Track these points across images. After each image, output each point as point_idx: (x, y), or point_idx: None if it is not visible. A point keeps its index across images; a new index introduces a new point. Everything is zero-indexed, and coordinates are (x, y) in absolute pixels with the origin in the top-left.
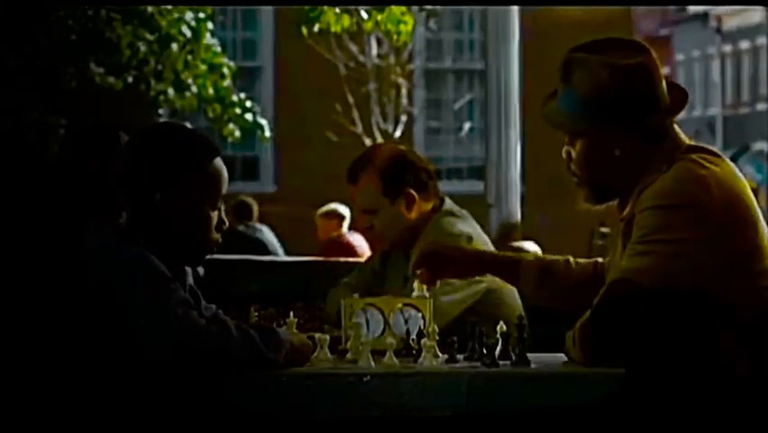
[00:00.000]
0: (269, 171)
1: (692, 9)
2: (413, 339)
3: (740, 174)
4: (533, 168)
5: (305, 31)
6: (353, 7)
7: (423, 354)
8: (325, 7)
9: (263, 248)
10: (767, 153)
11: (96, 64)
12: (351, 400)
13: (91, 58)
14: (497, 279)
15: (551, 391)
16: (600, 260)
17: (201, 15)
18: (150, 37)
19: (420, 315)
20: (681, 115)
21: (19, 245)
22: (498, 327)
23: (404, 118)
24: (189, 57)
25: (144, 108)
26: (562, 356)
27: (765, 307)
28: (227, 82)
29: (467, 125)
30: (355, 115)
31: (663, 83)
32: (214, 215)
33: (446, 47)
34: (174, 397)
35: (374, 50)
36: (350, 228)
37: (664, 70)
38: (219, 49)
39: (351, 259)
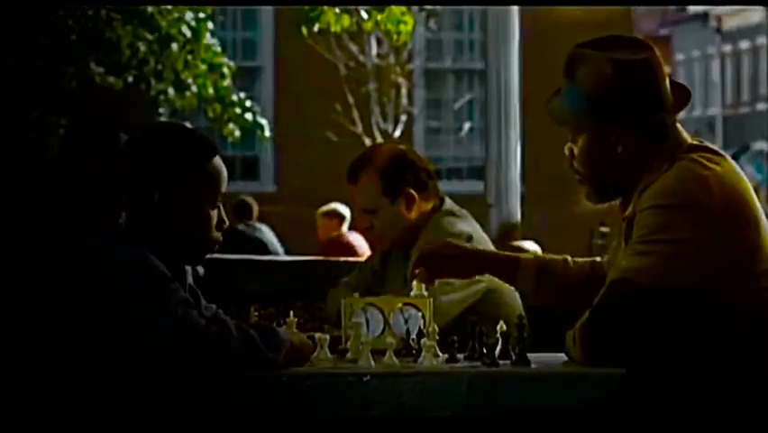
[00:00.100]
0: (269, 171)
1: (692, 9)
2: (413, 339)
3: (742, 173)
4: (533, 168)
5: (305, 31)
6: (353, 7)
7: (423, 354)
8: (325, 7)
9: (263, 248)
10: (767, 153)
11: (96, 64)
12: (351, 400)
13: (91, 58)
14: (495, 279)
15: (551, 391)
16: (598, 259)
17: (201, 15)
18: (150, 37)
19: (420, 314)
20: (682, 114)
21: (19, 246)
22: (498, 327)
23: (404, 118)
24: (189, 57)
25: (144, 108)
26: (562, 356)
27: (765, 307)
28: (227, 82)
29: (467, 125)
30: (355, 115)
31: (667, 81)
32: (214, 214)
33: (446, 47)
34: (174, 397)
35: (374, 50)
36: (350, 228)
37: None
38: (219, 49)
39: (351, 259)
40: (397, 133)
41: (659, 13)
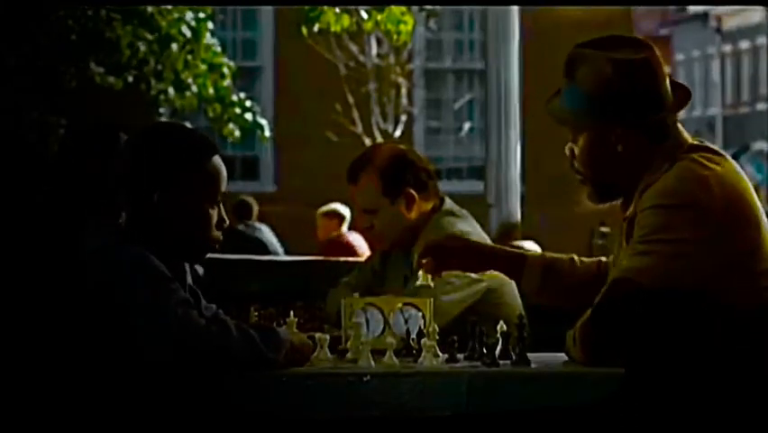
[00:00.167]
0: (269, 171)
1: (692, 9)
2: (413, 339)
3: (742, 173)
4: (533, 168)
5: (305, 31)
6: (353, 7)
7: (423, 354)
8: (325, 7)
9: (263, 248)
10: (767, 153)
11: (96, 64)
12: (351, 400)
13: (91, 58)
14: (496, 278)
15: (551, 391)
16: (604, 259)
17: (201, 15)
18: (150, 37)
19: (420, 314)
20: (682, 114)
21: (19, 246)
22: (499, 327)
23: (404, 118)
24: (189, 57)
25: (144, 108)
26: (562, 356)
27: (765, 307)
28: (227, 82)
29: (467, 125)
30: (355, 115)
31: (667, 81)
32: (214, 213)
33: (446, 47)
34: (174, 397)
35: (374, 50)
36: (349, 228)
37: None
38: (219, 49)
39: (351, 259)
40: (398, 133)
41: (659, 13)
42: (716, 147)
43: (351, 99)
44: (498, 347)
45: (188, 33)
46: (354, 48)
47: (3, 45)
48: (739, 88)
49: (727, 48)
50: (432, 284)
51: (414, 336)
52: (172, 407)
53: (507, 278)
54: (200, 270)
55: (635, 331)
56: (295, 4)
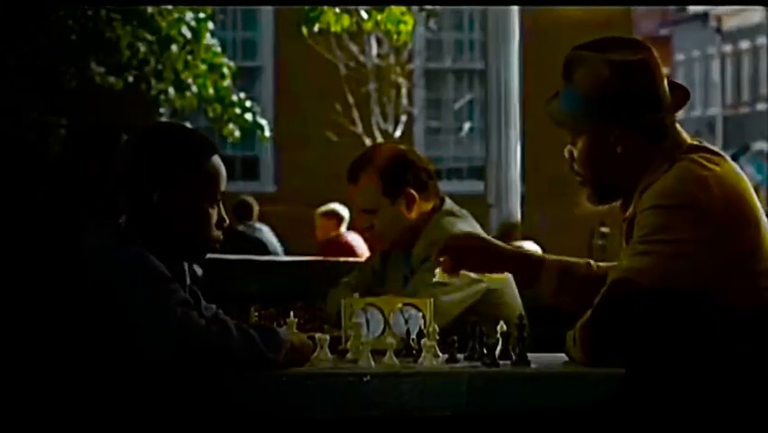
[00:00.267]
0: (269, 171)
1: (692, 9)
2: (413, 339)
3: (742, 174)
4: (533, 168)
5: (305, 31)
6: (353, 7)
7: (423, 354)
8: (325, 7)
9: (263, 248)
10: (767, 153)
11: (97, 64)
12: (351, 400)
13: (91, 58)
14: (497, 279)
15: (551, 391)
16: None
17: (201, 15)
18: (150, 38)
19: (420, 314)
20: (681, 114)
21: (19, 246)
22: (499, 327)
23: (404, 118)
24: (189, 57)
25: (145, 108)
26: (562, 356)
27: (765, 307)
28: (227, 82)
29: (467, 125)
30: (355, 115)
31: (665, 81)
32: (214, 212)
33: (446, 47)
34: (174, 397)
35: (374, 50)
36: (348, 228)
37: (664, 70)
38: (219, 49)
39: (351, 259)
40: (398, 133)
41: (659, 13)
42: (714, 148)
43: (351, 99)
44: (498, 347)
45: (188, 34)
46: (354, 48)
47: (3, 45)
48: (739, 88)
49: (727, 48)
50: (449, 281)
51: (414, 336)
52: (172, 407)
53: (507, 278)
54: (199, 270)
55: (635, 331)
56: (295, 4)
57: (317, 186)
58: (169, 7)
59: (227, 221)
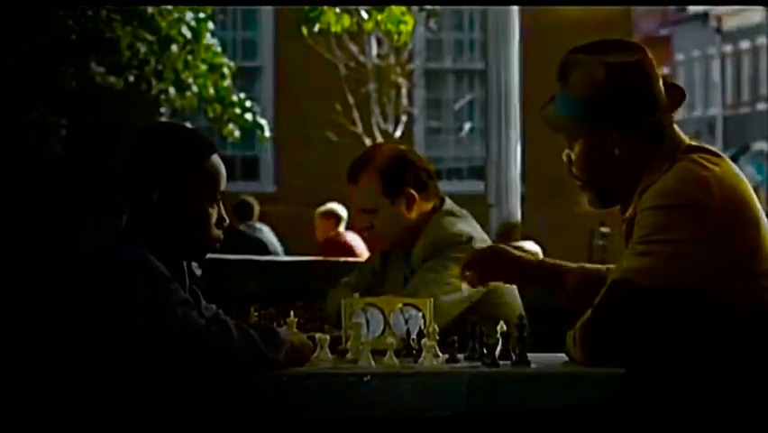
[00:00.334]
0: (269, 171)
1: (692, 9)
2: (413, 339)
3: (741, 174)
4: (533, 168)
5: (305, 31)
6: (353, 7)
7: (423, 354)
8: (325, 7)
9: (263, 248)
10: (767, 153)
11: (97, 64)
12: (351, 400)
13: (91, 58)
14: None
15: (551, 391)
16: None
17: (201, 15)
18: (150, 38)
19: (420, 314)
20: (681, 114)
21: (19, 245)
22: (499, 327)
23: (404, 118)
24: (189, 57)
25: (145, 108)
26: (562, 356)
27: (765, 307)
28: (227, 82)
29: (467, 125)
30: (355, 115)
31: (660, 82)
32: (214, 212)
33: (446, 47)
34: (174, 397)
35: (374, 50)
36: (347, 228)
37: (664, 70)
38: (219, 49)
39: (351, 259)
40: (398, 134)
41: (659, 14)
42: (713, 148)
43: (351, 99)
44: (498, 347)
45: (188, 34)
46: (354, 48)
47: (3, 45)
48: (739, 89)
49: (728, 48)
50: (449, 281)
51: (414, 336)
52: (172, 407)
53: None
54: (198, 271)
55: (635, 331)
56: (295, 4)
57: (317, 186)
58: (169, 7)
59: (227, 221)
